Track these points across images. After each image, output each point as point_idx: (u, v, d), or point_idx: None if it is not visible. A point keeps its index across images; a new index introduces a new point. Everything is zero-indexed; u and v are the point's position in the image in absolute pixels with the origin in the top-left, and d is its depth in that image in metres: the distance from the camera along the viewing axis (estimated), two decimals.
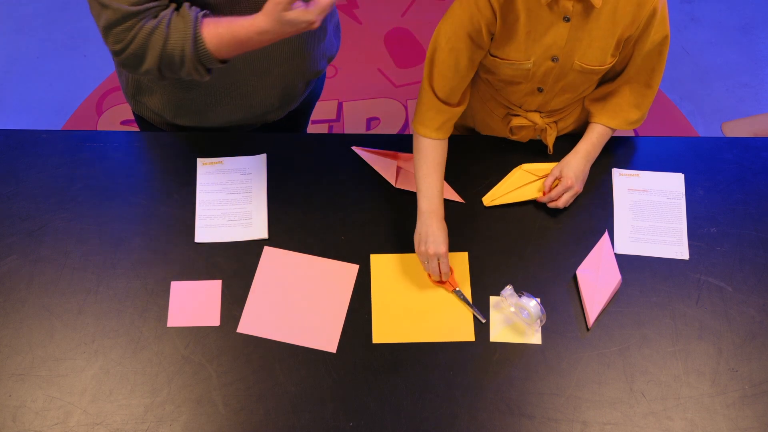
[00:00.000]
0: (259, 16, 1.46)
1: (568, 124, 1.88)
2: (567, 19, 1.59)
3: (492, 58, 1.68)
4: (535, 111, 1.82)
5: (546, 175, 1.81)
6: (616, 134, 1.87)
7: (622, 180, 1.86)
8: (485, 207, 1.82)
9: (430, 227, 1.68)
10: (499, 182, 1.83)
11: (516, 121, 1.83)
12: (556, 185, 1.79)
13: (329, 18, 1.87)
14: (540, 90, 1.75)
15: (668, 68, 3.27)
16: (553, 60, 1.66)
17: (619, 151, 1.90)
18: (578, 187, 1.79)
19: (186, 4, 1.53)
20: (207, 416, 1.58)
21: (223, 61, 1.56)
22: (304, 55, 1.81)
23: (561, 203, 1.78)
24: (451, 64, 1.66)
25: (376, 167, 1.85)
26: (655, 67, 1.73)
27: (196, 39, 1.51)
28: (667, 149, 1.91)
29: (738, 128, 3.11)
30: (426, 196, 1.70)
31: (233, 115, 1.88)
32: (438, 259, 1.69)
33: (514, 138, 1.89)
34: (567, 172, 1.78)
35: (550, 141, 1.86)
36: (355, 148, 1.88)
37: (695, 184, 1.86)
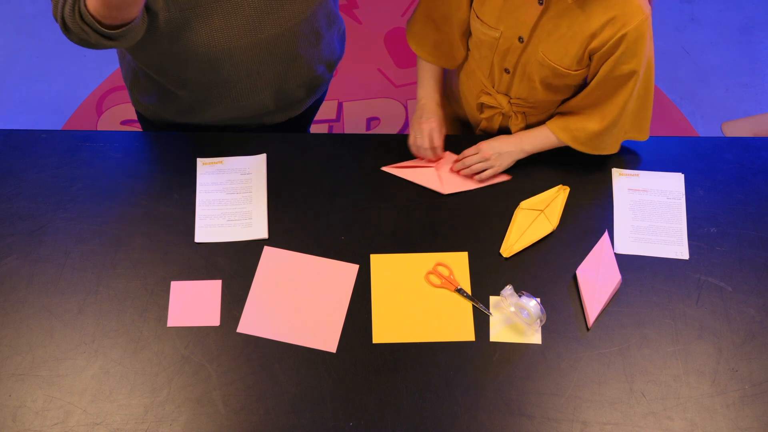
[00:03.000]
0: None
1: (539, 122, 1.90)
2: (541, 2, 1.62)
3: (473, 12, 1.73)
4: (504, 94, 1.83)
5: (547, 206, 1.81)
6: None
7: (622, 180, 1.86)
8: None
9: (425, 106, 1.87)
10: (507, 230, 1.79)
11: (484, 98, 1.87)
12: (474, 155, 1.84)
13: (326, 23, 1.85)
14: (507, 71, 1.77)
15: (668, 68, 3.27)
16: (519, 40, 1.69)
17: (619, 151, 1.90)
18: (493, 160, 1.81)
19: None
20: (207, 416, 1.58)
21: (114, 27, 1.52)
22: (296, 57, 1.80)
23: (468, 162, 1.82)
24: None
25: (416, 181, 1.84)
26: (614, 97, 1.71)
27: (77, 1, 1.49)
28: (667, 149, 1.91)
29: (738, 128, 3.12)
30: (424, 84, 1.90)
31: (225, 114, 1.88)
32: (429, 132, 1.82)
33: (482, 117, 1.91)
34: (490, 143, 1.83)
35: (513, 130, 1.88)
36: (386, 168, 1.86)
37: (695, 184, 1.86)
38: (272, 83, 1.82)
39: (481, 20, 1.71)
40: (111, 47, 1.57)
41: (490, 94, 1.86)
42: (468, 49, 1.86)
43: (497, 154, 1.81)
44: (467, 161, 1.82)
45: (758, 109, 3.18)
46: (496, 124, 1.91)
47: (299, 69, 1.84)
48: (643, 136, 1.82)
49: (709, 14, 3.44)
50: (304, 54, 1.82)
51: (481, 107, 1.90)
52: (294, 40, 1.76)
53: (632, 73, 1.66)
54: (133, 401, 1.59)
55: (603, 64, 1.67)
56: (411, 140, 1.86)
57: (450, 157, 1.88)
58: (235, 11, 1.66)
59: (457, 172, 1.85)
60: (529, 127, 1.89)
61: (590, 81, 1.72)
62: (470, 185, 1.84)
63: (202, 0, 1.62)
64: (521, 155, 1.84)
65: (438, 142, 1.84)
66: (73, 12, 1.52)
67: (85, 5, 1.50)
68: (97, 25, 1.51)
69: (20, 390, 1.60)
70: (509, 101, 1.84)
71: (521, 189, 1.85)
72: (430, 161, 1.86)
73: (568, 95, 1.80)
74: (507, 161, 1.83)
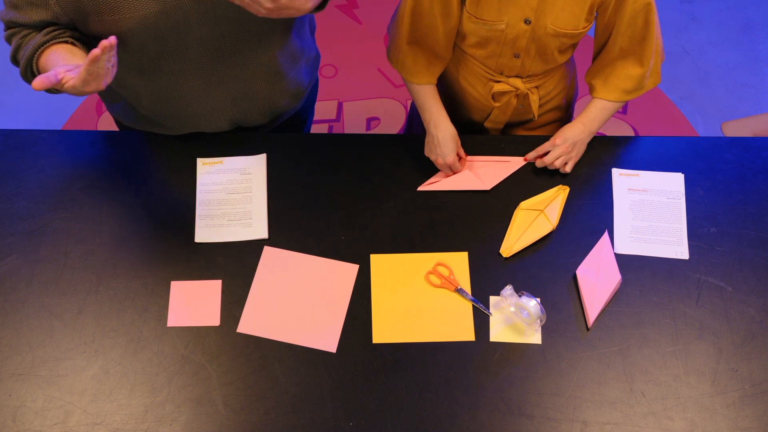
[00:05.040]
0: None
1: (549, 90, 1.91)
2: None
3: (468, 15, 1.72)
4: (516, 76, 1.85)
5: (547, 206, 1.81)
6: (615, 134, 1.87)
7: (622, 180, 1.86)
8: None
9: (437, 136, 1.83)
10: (507, 230, 1.80)
11: (498, 87, 1.86)
12: (549, 152, 1.85)
13: (289, 62, 1.82)
14: (516, 56, 1.78)
15: (668, 68, 3.27)
16: (526, 22, 1.70)
17: (619, 151, 1.90)
18: (572, 152, 1.83)
19: (55, 32, 1.57)
20: (207, 416, 1.58)
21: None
22: (253, 95, 1.80)
23: (557, 163, 1.83)
24: (425, 7, 1.73)
25: (456, 188, 1.84)
26: (645, 36, 1.74)
27: (32, 59, 1.56)
28: (667, 149, 1.91)
29: (738, 128, 3.12)
30: (426, 108, 1.86)
31: (184, 130, 1.88)
32: (450, 167, 1.84)
33: (497, 105, 1.91)
34: (563, 136, 1.83)
35: (533, 106, 1.89)
36: (422, 188, 1.85)
37: (695, 184, 1.86)
38: (229, 116, 1.83)
39: (483, 19, 1.71)
40: None
41: (501, 81, 1.87)
42: (456, 51, 1.86)
43: (572, 144, 1.83)
44: (547, 159, 1.84)
45: (758, 109, 3.18)
46: (510, 108, 1.92)
47: (258, 104, 1.83)
48: (662, 57, 1.86)
49: (709, 14, 3.44)
50: (263, 92, 1.81)
51: (494, 96, 1.91)
52: (251, 81, 1.76)
53: (647, 5, 1.69)
54: (133, 401, 1.59)
55: (616, 11, 1.69)
56: (434, 161, 1.87)
57: (477, 157, 1.89)
58: (185, 55, 1.66)
59: (479, 162, 1.88)
60: (545, 96, 1.92)
61: (606, 34, 1.76)
62: (506, 173, 1.86)
63: (149, 48, 1.62)
64: (590, 137, 1.87)
65: (457, 169, 1.85)
66: (26, 71, 1.58)
67: (38, 69, 1.55)
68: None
69: (20, 390, 1.60)
70: (522, 81, 1.86)
71: (521, 189, 1.85)
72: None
73: (576, 45, 1.84)
74: (582, 148, 1.86)
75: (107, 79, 1.41)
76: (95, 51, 1.33)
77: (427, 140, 1.86)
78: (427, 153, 1.86)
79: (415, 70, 1.84)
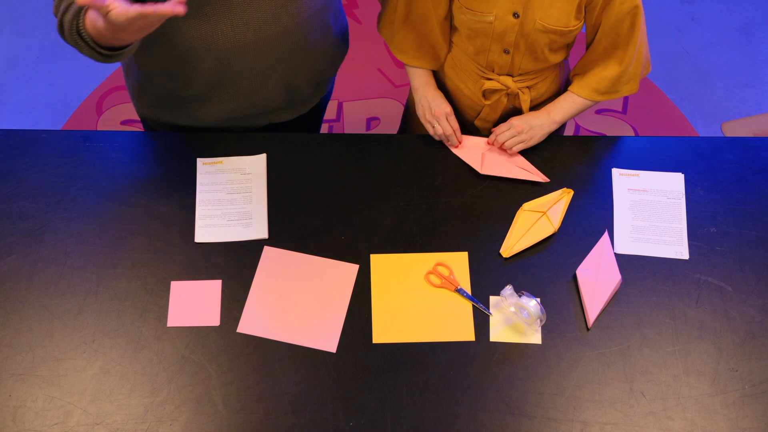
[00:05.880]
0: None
1: (541, 93, 1.91)
2: None
3: (458, 4, 1.74)
4: (507, 75, 1.85)
5: (550, 208, 1.81)
6: (615, 134, 1.87)
7: (622, 180, 1.86)
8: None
9: (427, 95, 1.89)
10: (509, 230, 1.79)
11: (488, 84, 1.87)
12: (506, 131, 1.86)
13: (334, 17, 1.87)
14: (507, 52, 1.79)
15: (668, 68, 3.27)
16: (514, 16, 1.70)
17: (619, 151, 1.90)
18: (525, 133, 1.84)
19: None
20: (207, 416, 1.58)
21: (112, 49, 1.53)
22: (307, 51, 1.82)
23: (501, 138, 1.85)
24: None
25: (459, 154, 1.87)
26: (629, 40, 1.75)
27: (78, 15, 1.51)
28: (667, 149, 1.91)
29: (738, 128, 3.12)
30: (415, 75, 1.91)
31: (235, 113, 1.88)
32: (446, 118, 1.86)
33: (487, 103, 1.91)
34: (521, 117, 1.85)
35: (524, 106, 1.89)
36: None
37: (695, 184, 1.86)
38: (283, 77, 1.84)
39: (472, 10, 1.72)
40: (103, 62, 1.57)
41: (492, 79, 1.87)
42: (451, 45, 1.87)
43: (529, 127, 1.84)
44: (501, 137, 1.85)
45: (758, 109, 3.18)
46: (501, 106, 1.92)
47: (310, 63, 1.86)
48: (647, 69, 1.87)
49: (709, 14, 3.44)
50: (314, 48, 1.83)
51: (484, 93, 1.91)
52: (306, 33, 1.78)
53: (635, 9, 1.69)
54: (133, 401, 1.59)
55: (603, 10, 1.70)
56: (432, 131, 1.88)
57: (513, 152, 1.90)
58: (252, 4, 1.67)
59: (500, 150, 1.89)
60: (537, 98, 1.91)
61: (593, 32, 1.76)
62: (509, 173, 1.85)
63: None
64: (553, 126, 1.87)
65: (456, 124, 1.87)
66: (72, 26, 1.52)
67: (84, 25, 1.50)
68: (93, 43, 1.51)
69: (20, 390, 1.60)
70: (513, 79, 1.86)
71: (521, 190, 1.85)
72: (456, 147, 1.89)
73: (571, 47, 1.84)
74: (539, 134, 1.86)
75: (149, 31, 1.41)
76: (166, 8, 1.31)
77: (417, 104, 1.90)
78: (420, 115, 1.88)
79: (405, 49, 1.87)
